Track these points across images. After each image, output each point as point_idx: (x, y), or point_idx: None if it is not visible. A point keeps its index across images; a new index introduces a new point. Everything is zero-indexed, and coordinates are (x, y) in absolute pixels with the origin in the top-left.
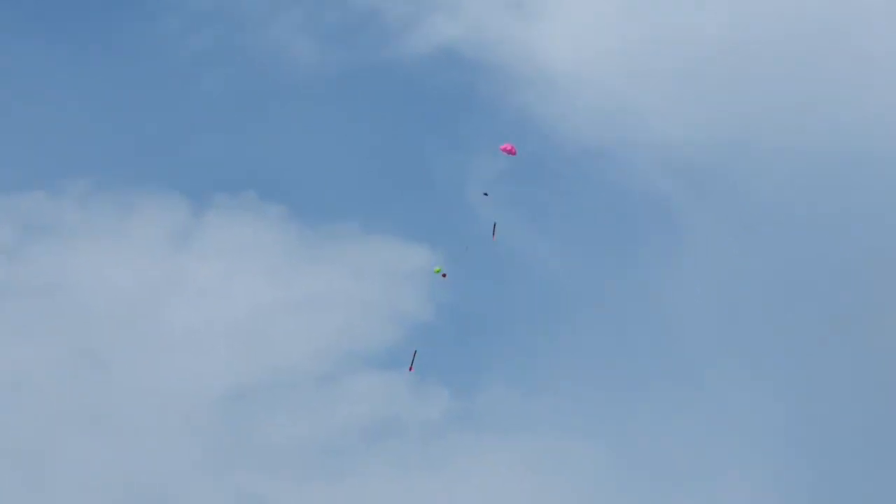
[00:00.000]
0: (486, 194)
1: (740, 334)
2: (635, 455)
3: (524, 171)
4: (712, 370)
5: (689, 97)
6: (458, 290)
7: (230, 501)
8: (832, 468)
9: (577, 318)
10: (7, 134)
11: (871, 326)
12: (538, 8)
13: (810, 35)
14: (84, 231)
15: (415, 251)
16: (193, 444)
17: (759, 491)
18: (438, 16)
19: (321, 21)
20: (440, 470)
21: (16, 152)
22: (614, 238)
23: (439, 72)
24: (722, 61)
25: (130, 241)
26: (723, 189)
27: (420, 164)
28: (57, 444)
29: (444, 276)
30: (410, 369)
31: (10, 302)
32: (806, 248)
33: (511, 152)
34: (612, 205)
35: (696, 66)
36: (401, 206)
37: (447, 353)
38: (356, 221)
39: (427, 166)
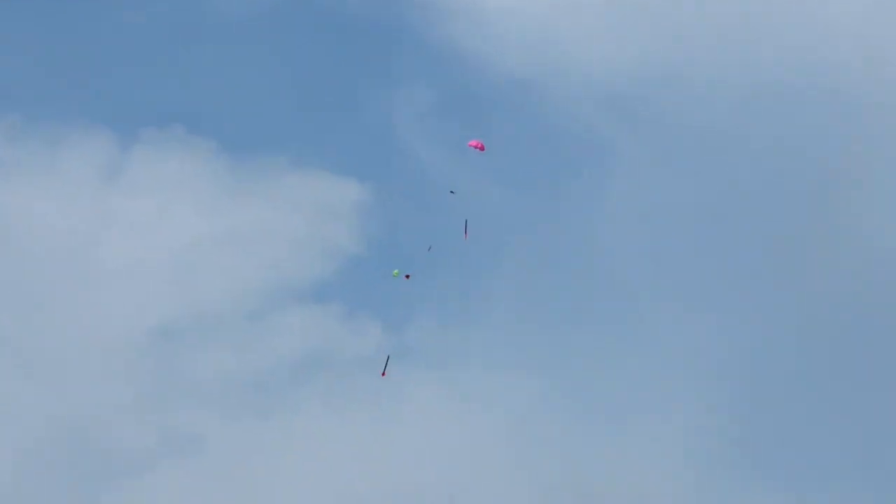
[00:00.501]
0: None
1: (674, 266)
2: (568, 389)
3: (452, 104)
4: (646, 303)
5: (619, 28)
6: (389, 224)
7: (160, 438)
8: (767, 399)
9: (508, 251)
10: None
11: (806, 256)
12: None
13: None
14: (12, 166)
15: (344, 184)
16: (123, 380)
17: (693, 423)
18: None
19: None
20: (371, 405)
21: None
22: (545, 170)
23: (366, 4)
24: None
25: (59, 177)
26: (654, 120)
27: (348, 98)
28: None
29: (406, 276)
30: (383, 374)
31: None
32: (738, 178)
33: (480, 148)
34: (541, 137)
35: None
36: (330, 140)
37: (378, 288)
38: (285, 155)
39: (355, 99)
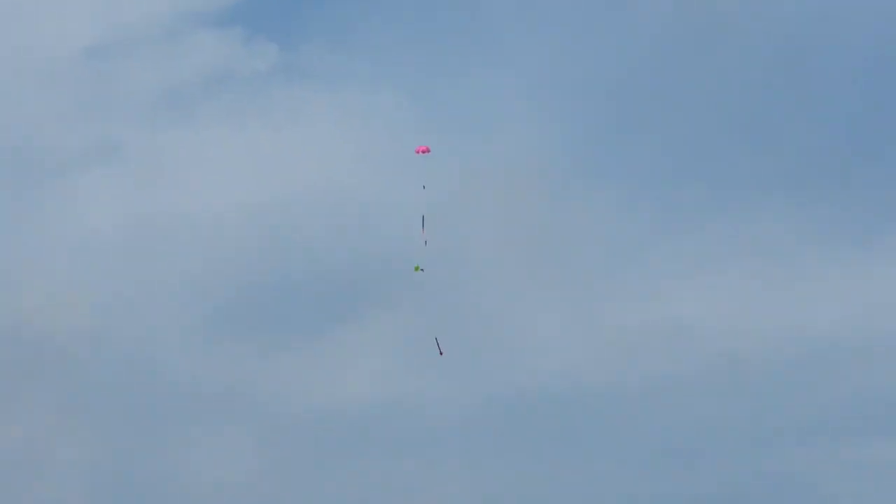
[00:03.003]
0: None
1: None
2: (435, 106)
3: None
4: (502, 25)
5: None
6: None
7: (91, 148)
8: (608, 112)
9: None
10: None
11: None
12: None
13: None
14: None
15: None
16: (55, 96)
17: (538, 129)
18: None
19: None
20: (268, 117)
21: None
22: None
23: None
24: None
25: None
26: None
27: None
28: None
29: (420, 269)
30: (440, 353)
31: None
32: None
33: (425, 151)
34: None
35: None
36: None
37: (276, 10)
38: None
39: None
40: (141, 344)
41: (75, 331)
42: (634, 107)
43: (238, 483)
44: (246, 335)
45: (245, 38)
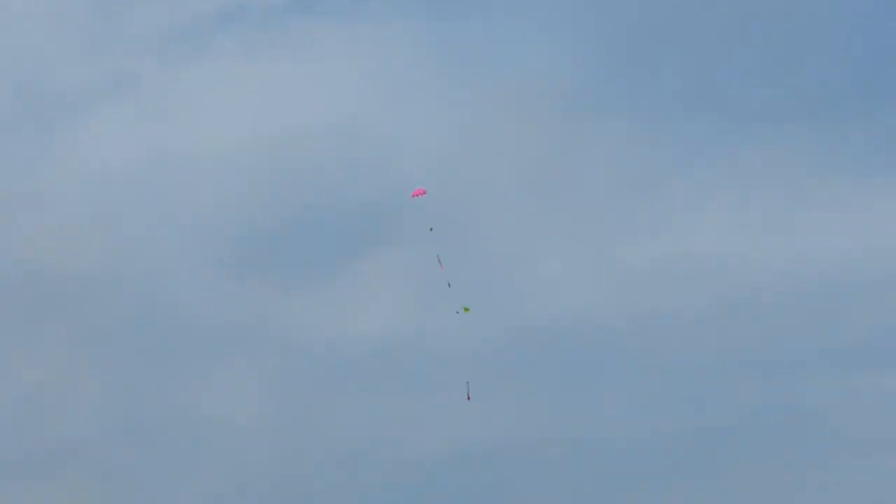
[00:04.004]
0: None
1: None
2: (446, 39)
3: None
4: None
5: None
6: None
7: (106, 82)
8: (621, 43)
9: None
10: None
11: None
12: None
13: None
14: None
15: None
16: (69, 31)
17: (549, 61)
18: None
19: None
20: (282, 51)
21: None
22: None
23: None
24: None
25: None
26: None
27: None
28: None
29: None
30: (468, 398)
31: None
32: None
33: (421, 194)
34: None
35: None
36: None
37: None
38: None
39: None
40: (156, 279)
41: (91, 266)
42: (649, 37)
43: (254, 417)
44: (260, 271)
45: None
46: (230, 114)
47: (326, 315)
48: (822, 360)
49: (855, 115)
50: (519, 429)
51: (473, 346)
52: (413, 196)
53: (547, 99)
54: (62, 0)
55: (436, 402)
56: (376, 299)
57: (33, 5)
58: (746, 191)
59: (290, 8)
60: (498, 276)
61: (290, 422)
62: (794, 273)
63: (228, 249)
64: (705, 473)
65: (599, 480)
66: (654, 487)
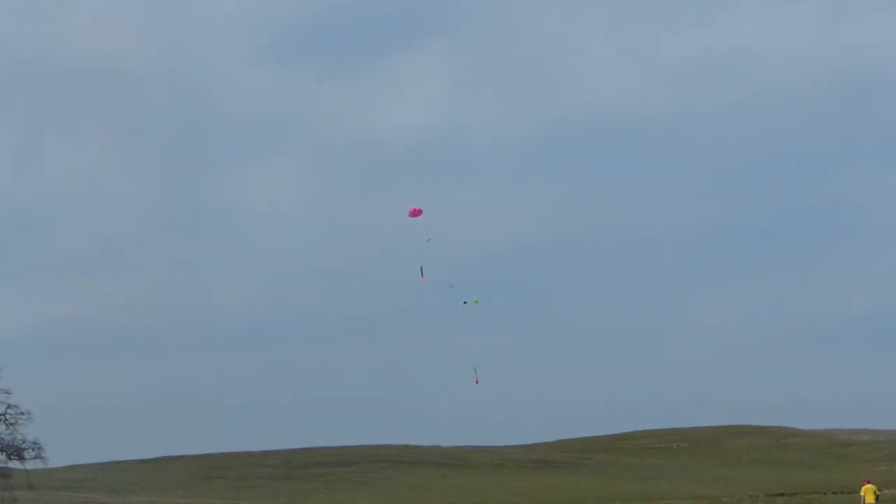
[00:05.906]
0: (451, 286)
1: None
2: None
3: None
4: None
5: None
6: None
7: None
8: None
9: None
10: None
11: None
12: None
13: None
14: None
15: None
16: None
17: None
18: None
19: None
20: None
21: None
22: None
23: None
24: None
25: None
26: None
27: None
28: None
29: (475, 301)
30: (476, 382)
31: None
32: None
33: (418, 213)
34: None
35: None
36: None
37: None
38: None
39: None
40: (196, 72)
41: (132, 59)
42: None
43: (291, 206)
44: (302, 63)
45: None
46: None
47: (367, 107)
48: (861, 153)
49: None
50: (558, 218)
51: (516, 138)
52: (409, 215)
53: None
54: None
55: (478, 196)
56: (419, 92)
57: None
58: None
59: None
60: (542, 71)
61: (328, 209)
62: (839, 65)
63: (270, 41)
64: (746, 269)
65: (643, 275)
66: (696, 283)
